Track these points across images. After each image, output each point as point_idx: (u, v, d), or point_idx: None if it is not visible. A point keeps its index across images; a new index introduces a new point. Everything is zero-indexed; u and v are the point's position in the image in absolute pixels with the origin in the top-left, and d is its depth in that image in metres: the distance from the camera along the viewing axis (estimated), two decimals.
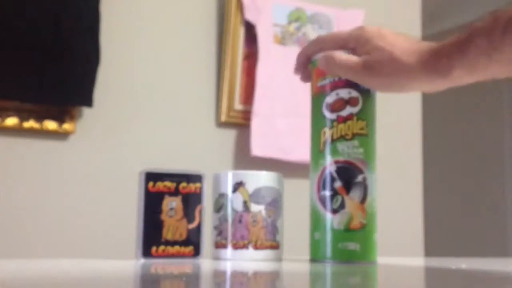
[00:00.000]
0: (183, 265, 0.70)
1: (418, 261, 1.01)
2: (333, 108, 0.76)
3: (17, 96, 1.55)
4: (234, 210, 0.82)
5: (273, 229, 0.83)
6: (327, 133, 0.76)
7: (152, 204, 0.80)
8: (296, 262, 0.80)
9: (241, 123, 1.83)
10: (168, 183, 0.81)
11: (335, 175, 0.75)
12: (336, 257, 0.74)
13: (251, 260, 0.80)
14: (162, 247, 0.79)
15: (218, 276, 0.59)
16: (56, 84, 1.57)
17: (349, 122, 0.75)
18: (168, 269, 0.65)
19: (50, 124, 1.59)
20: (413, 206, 2.10)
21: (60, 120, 1.60)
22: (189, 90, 1.80)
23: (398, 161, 2.08)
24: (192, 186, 0.82)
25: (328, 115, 0.76)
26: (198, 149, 1.78)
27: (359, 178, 0.75)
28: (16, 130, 1.57)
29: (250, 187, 0.82)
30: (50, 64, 1.55)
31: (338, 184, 0.75)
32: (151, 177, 0.80)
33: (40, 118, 1.58)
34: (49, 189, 1.60)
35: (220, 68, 1.82)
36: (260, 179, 0.83)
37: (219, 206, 0.84)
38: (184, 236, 0.81)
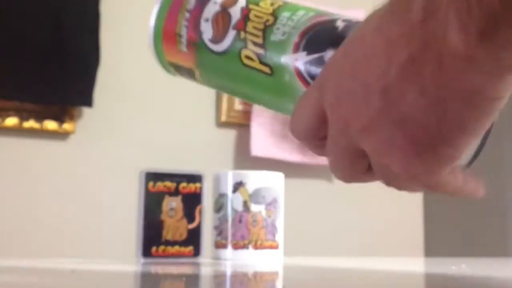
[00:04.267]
0: (183, 265, 0.70)
1: (418, 261, 1.01)
2: None
3: (17, 96, 1.55)
4: (234, 210, 0.82)
5: (273, 229, 0.83)
6: None
7: (152, 204, 0.80)
8: (296, 262, 0.80)
9: (241, 123, 1.83)
10: (168, 183, 0.80)
11: None
12: None
13: (251, 260, 0.80)
14: (162, 247, 0.79)
15: (218, 276, 0.59)
16: (56, 84, 1.56)
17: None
18: (168, 269, 0.65)
19: (50, 124, 1.59)
20: (413, 206, 2.10)
21: (60, 120, 1.60)
22: (189, 90, 1.79)
23: None
24: (192, 186, 0.82)
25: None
26: (198, 149, 1.78)
27: None
28: (16, 130, 1.57)
29: (250, 187, 0.82)
30: (50, 64, 1.55)
31: None
32: (151, 177, 0.80)
33: (40, 118, 1.58)
34: (49, 189, 1.59)
35: None
36: (260, 179, 0.83)
37: (219, 206, 0.84)
38: (184, 236, 0.81)
